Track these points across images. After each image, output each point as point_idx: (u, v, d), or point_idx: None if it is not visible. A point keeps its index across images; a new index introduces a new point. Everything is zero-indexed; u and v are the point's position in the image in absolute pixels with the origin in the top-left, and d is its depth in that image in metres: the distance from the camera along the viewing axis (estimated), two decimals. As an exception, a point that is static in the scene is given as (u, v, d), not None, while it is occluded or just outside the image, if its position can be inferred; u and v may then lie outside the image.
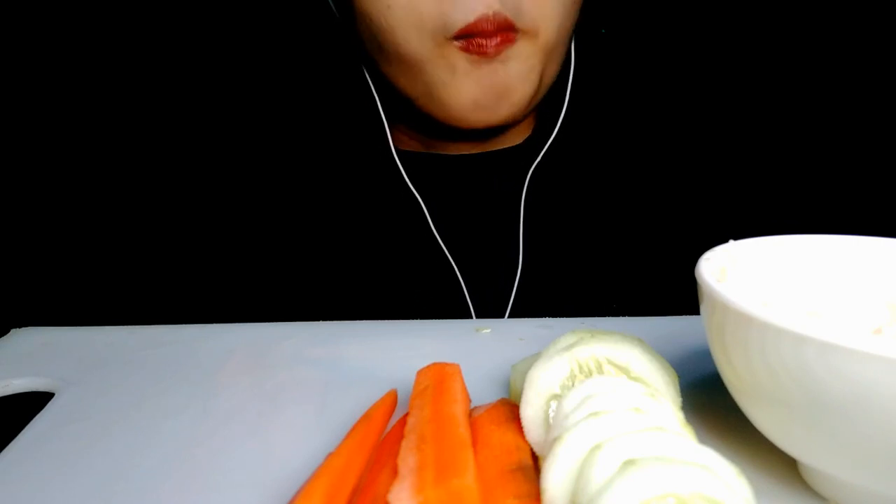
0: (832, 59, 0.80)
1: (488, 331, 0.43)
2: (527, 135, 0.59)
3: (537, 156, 0.56)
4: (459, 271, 0.55)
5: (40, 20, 0.77)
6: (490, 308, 0.55)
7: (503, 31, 0.46)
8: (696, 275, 0.28)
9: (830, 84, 0.79)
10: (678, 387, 0.30)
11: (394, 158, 0.55)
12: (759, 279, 0.32)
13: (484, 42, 0.46)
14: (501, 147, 0.57)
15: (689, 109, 0.64)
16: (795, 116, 0.76)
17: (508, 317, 0.55)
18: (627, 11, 0.74)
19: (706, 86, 0.75)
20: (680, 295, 0.39)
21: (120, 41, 0.77)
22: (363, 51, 0.53)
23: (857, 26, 0.81)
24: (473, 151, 0.57)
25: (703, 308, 0.28)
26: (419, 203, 0.55)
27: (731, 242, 0.32)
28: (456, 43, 0.47)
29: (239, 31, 0.74)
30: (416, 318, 0.47)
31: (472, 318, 0.55)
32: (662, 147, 0.60)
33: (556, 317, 0.45)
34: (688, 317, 0.42)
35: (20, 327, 0.45)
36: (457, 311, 0.55)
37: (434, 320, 0.46)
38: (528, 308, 0.55)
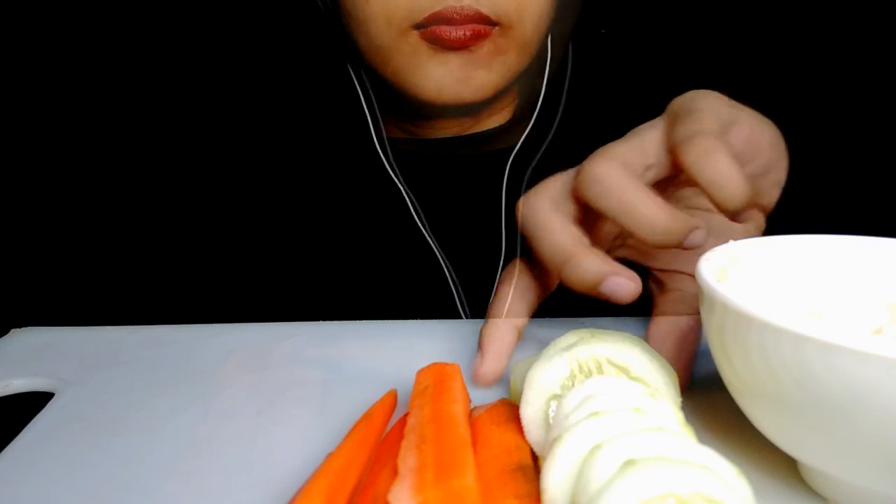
0: (831, 58, 0.80)
1: (488, 331, 0.43)
2: (509, 116, 0.59)
3: (532, 154, 0.56)
4: (449, 268, 0.55)
5: (39, 20, 0.77)
6: (480, 305, 0.55)
7: (473, 23, 0.46)
8: (696, 275, 0.28)
9: (829, 83, 0.79)
10: (678, 387, 0.30)
11: (379, 155, 0.56)
12: (759, 279, 0.32)
13: (446, 31, 0.46)
14: (485, 128, 0.57)
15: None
16: (794, 115, 0.76)
17: None
18: (624, 11, 0.74)
19: (704, 85, 0.75)
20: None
21: (113, 39, 0.77)
22: (348, 44, 0.54)
23: (856, 26, 0.81)
24: (457, 132, 0.57)
25: (703, 308, 0.28)
26: (406, 199, 0.55)
27: (731, 242, 0.32)
28: (415, 32, 0.47)
29: (227, 28, 0.74)
30: (408, 315, 0.47)
31: (461, 313, 0.55)
32: None
33: (547, 314, 0.45)
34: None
35: (20, 327, 0.45)
36: (447, 307, 0.55)
37: (434, 320, 0.46)
38: None
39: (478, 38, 0.47)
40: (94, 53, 0.77)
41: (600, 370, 0.29)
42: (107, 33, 0.77)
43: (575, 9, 0.53)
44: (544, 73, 0.57)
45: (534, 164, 0.56)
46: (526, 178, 0.56)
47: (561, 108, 0.56)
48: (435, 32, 0.47)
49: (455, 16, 0.46)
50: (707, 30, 0.80)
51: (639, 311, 0.44)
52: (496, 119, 0.58)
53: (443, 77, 0.49)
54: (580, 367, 0.29)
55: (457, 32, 0.46)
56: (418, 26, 0.47)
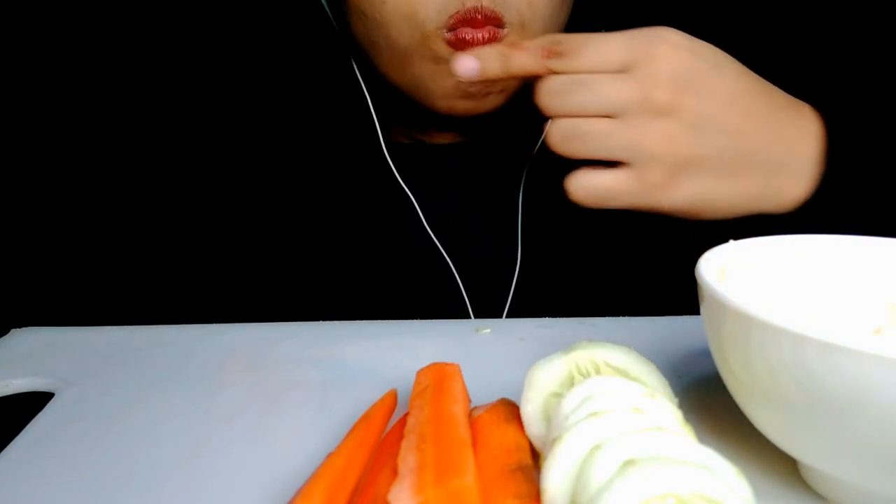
0: (831, 56, 0.80)
1: (488, 331, 0.43)
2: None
3: (533, 148, 0.56)
4: (456, 269, 0.55)
5: (39, 20, 0.77)
6: (488, 305, 0.55)
7: (490, 24, 0.47)
8: (696, 275, 0.28)
9: (829, 81, 0.79)
10: (671, 391, 0.30)
11: (385, 155, 0.56)
12: (759, 279, 0.32)
13: (470, 36, 0.47)
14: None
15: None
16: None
17: (507, 313, 0.55)
18: (621, 5, 0.74)
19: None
20: (680, 295, 0.39)
21: (116, 40, 0.77)
22: (354, 46, 0.53)
23: (855, 25, 0.81)
24: (463, 139, 0.57)
25: (703, 308, 0.28)
26: (412, 200, 0.55)
27: (731, 242, 0.32)
28: (446, 34, 0.47)
29: (231, 31, 0.74)
30: (415, 317, 0.47)
31: (470, 315, 0.55)
32: None
33: (555, 313, 0.45)
34: (688, 317, 0.42)
35: (20, 327, 0.45)
36: (455, 309, 0.55)
37: (434, 320, 0.46)
38: (527, 305, 0.55)
39: (494, 40, 0.47)
40: (96, 53, 0.77)
41: (598, 372, 0.29)
42: (111, 34, 0.77)
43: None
44: None
45: (531, 159, 0.56)
46: (524, 173, 0.56)
47: None
48: (459, 36, 0.47)
49: (478, 16, 0.46)
50: (705, 23, 0.80)
51: (639, 311, 0.45)
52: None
53: (458, 86, 0.49)
54: (578, 370, 0.29)
55: (477, 35, 0.47)
56: (447, 29, 0.47)
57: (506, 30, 0.48)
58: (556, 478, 0.23)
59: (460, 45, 0.47)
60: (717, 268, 0.30)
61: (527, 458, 0.27)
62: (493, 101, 0.51)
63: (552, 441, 0.24)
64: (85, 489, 0.28)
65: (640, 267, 0.57)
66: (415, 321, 0.46)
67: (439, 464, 0.24)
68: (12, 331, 0.45)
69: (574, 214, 0.57)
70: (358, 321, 0.45)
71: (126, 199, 0.65)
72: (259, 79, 0.64)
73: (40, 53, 0.77)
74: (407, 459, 0.25)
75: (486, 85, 0.50)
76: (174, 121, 0.66)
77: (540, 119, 0.57)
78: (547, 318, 0.44)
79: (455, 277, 0.55)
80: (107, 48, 0.77)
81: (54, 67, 0.77)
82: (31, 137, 0.77)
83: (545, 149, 0.56)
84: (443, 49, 0.48)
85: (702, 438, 0.29)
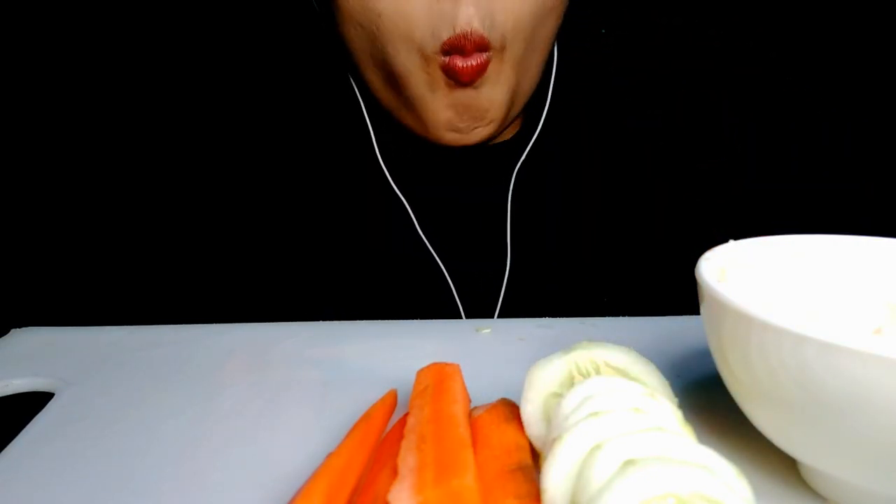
0: (832, 55, 0.80)
1: (488, 331, 0.43)
2: (513, 133, 0.59)
3: (522, 153, 0.56)
4: (448, 272, 0.55)
5: (39, 20, 0.77)
6: (480, 307, 0.55)
7: (479, 50, 0.47)
8: (696, 275, 0.28)
9: (830, 80, 0.79)
10: (671, 391, 0.30)
11: (378, 161, 0.55)
12: (759, 279, 0.32)
13: (460, 65, 0.47)
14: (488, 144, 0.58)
15: (687, 106, 0.64)
16: (794, 114, 0.76)
17: (498, 315, 0.55)
18: (616, 7, 0.74)
19: (704, 82, 0.75)
20: (680, 295, 0.39)
21: (114, 43, 0.77)
22: (348, 54, 0.53)
23: (855, 23, 0.81)
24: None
25: (703, 308, 0.28)
26: (405, 204, 0.55)
27: (731, 242, 0.32)
28: (441, 58, 0.47)
29: (229, 36, 0.74)
30: (407, 318, 0.47)
31: (461, 317, 0.55)
32: (659, 144, 0.60)
33: (546, 315, 0.45)
34: (688, 317, 0.42)
35: (20, 327, 0.45)
36: (447, 311, 0.55)
37: (434, 320, 0.46)
38: (518, 307, 0.55)
39: (481, 70, 0.47)
40: (95, 55, 0.77)
41: (598, 372, 0.29)
42: (108, 36, 0.77)
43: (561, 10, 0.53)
44: (548, 87, 0.57)
45: (520, 161, 0.56)
46: (514, 175, 0.56)
47: (546, 106, 0.56)
48: (452, 63, 0.47)
49: (466, 43, 0.46)
50: (704, 21, 0.80)
51: (637, 311, 0.45)
52: (502, 133, 0.58)
53: (455, 117, 0.49)
54: (578, 370, 0.29)
55: (466, 63, 0.47)
56: (442, 53, 0.47)
57: (489, 53, 0.47)
58: (556, 478, 0.23)
59: (452, 73, 0.47)
60: (717, 268, 0.30)
61: (527, 458, 0.27)
62: (480, 133, 0.51)
63: (552, 441, 0.24)
64: (85, 489, 0.28)
65: (634, 266, 0.57)
66: (414, 321, 0.46)
67: (439, 464, 0.24)
68: (12, 331, 0.45)
69: (563, 217, 0.57)
70: (358, 321, 0.45)
71: (126, 199, 0.65)
72: (258, 80, 0.64)
73: (39, 54, 0.77)
74: (407, 459, 0.25)
75: (473, 119, 0.50)
76: (175, 123, 0.66)
77: (531, 121, 0.57)
78: (547, 318, 0.44)
79: (447, 279, 0.55)
80: (105, 50, 0.77)
81: (53, 68, 0.77)
82: (31, 137, 0.77)
83: (535, 151, 0.56)
84: (439, 76, 0.48)
85: (702, 438, 0.29)
